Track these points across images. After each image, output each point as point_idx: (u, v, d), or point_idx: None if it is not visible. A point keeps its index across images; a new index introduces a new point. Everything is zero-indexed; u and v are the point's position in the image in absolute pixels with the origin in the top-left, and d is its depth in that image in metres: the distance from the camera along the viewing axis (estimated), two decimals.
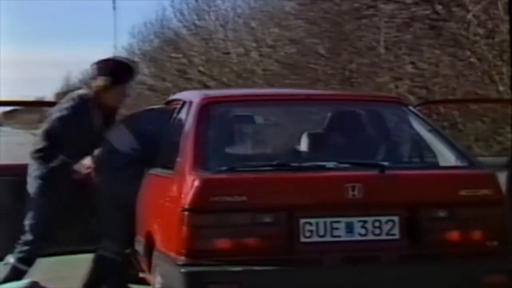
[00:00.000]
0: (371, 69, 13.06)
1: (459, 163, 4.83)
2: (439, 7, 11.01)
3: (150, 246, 4.86)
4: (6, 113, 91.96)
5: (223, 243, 4.28)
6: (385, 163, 4.65)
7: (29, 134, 22.86)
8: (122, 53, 33.67)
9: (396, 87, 12.60)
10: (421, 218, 4.50)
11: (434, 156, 5.01)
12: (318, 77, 14.60)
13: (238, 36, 20.95)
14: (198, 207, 4.27)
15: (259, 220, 4.32)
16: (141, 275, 5.65)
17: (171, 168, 4.74)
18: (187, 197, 4.30)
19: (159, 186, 4.95)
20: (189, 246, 4.26)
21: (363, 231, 4.45)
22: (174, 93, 25.36)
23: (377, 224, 4.47)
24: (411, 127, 5.18)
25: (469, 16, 10.35)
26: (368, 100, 5.84)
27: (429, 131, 5.04)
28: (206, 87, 21.47)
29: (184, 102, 5.23)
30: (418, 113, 5.33)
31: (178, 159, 4.66)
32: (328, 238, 4.40)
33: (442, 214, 4.52)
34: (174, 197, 4.47)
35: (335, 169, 4.56)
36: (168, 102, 6.01)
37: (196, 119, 4.75)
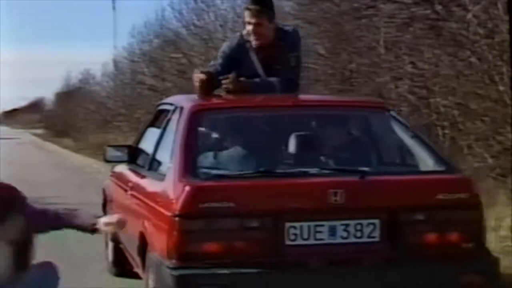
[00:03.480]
0: (371, 69, 13.06)
1: (437, 168, 5.05)
2: (439, 7, 11.01)
3: (143, 247, 5.14)
4: (6, 113, 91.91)
5: (212, 247, 4.53)
6: (366, 169, 4.93)
7: (29, 134, 22.83)
8: (122, 53, 33.77)
9: (396, 87, 12.60)
10: (401, 221, 4.74)
11: (415, 161, 5.25)
12: (318, 77, 14.59)
13: None
14: (188, 213, 4.51)
15: (246, 224, 4.56)
16: (135, 269, 5.92)
17: (162, 173, 5.05)
18: (178, 204, 4.54)
19: (151, 189, 5.25)
20: (180, 250, 4.50)
21: (345, 234, 4.71)
22: (174, 93, 25.68)
23: (358, 227, 4.72)
24: (394, 132, 5.42)
25: (469, 16, 10.35)
26: (353, 105, 6.04)
27: (411, 136, 5.31)
28: None
29: (176, 107, 5.46)
30: (401, 118, 5.61)
31: (169, 165, 4.94)
32: (312, 241, 4.67)
33: (420, 217, 4.75)
34: (165, 202, 4.72)
35: (318, 175, 4.82)
36: (160, 105, 6.30)
37: (186, 126, 5.01)
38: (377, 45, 12.75)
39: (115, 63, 35.41)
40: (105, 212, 7.01)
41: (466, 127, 10.91)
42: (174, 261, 4.53)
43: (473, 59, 10.54)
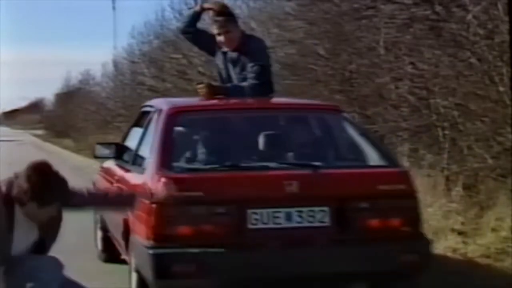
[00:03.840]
0: (371, 70, 13.06)
1: (381, 163, 5.88)
2: (439, 8, 11.01)
3: (127, 232, 5.96)
4: (6, 113, 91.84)
5: (184, 230, 5.32)
6: (319, 163, 5.76)
7: (29, 134, 22.84)
8: (122, 54, 33.76)
9: (396, 87, 12.60)
10: (348, 208, 5.57)
11: (362, 156, 6.05)
12: (318, 78, 14.59)
13: None
14: (163, 201, 5.33)
15: (214, 211, 5.36)
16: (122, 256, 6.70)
17: (143, 167, 5.92)
18: (155, 193, 5.39)
19: (133, 181, 6.13)
20: (156, 232, 5.31)
21: (299, 219, 5.54)
22: (174, 93, 25.51)
23: (311, 213, 5.54)
24: (345, 131, 6.30)
25: (469, 16, 10.34)
26: (311, 107, 7.01)
27: (360, 135, 6.17)
28: None
29: (156, 110, 6.32)
30: (352, 119, 6.71)
31: (149, 160, 5.81)
32: (270, 225, 5.49)
33: (365, 205, 5.57)
34: (145, 192, 5.50)
35: (277, 168, 5.68)
36: (143, 107, 7.12)
37: (163, 126, 5.87)
38: (377, 46, 12.75)
39: (115, 63, 35.41)
40: None
41: (466, 127, 10.90)
42: (151, 242, 5.33)
43: (473, 60, 10.53)
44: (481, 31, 10.36)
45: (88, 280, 5.25)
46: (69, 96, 45.67)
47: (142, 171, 5.92)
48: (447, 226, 9.33)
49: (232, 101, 6.59)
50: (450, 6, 10.89)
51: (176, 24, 24.21)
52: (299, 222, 5.52)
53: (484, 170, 10.48)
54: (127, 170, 6.58)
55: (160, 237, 5.28)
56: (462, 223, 9.39)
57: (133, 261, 5.85)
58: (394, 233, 5.63)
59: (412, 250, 5.64)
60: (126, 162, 6.78)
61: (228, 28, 6.99)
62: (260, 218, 5.46)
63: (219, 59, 7.07)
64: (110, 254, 7.77)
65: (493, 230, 8.86)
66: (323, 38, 14.36)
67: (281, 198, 5.52)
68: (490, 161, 10.41)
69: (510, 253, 7.96)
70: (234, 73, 6.92)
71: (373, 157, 5.99)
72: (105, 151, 7.30)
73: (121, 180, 6.64)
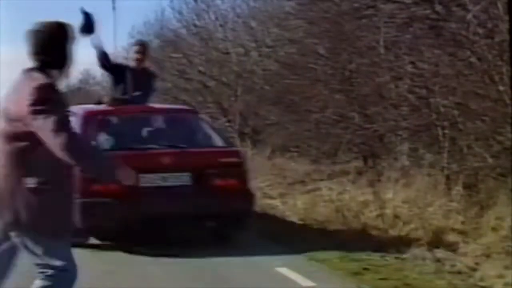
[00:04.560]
0: (371, 69, 13.06)
1: (222, 145, 9.44)
2: (439, 7, 11.01)
3: None
4: None
5: (98, 188, 8.26)
6: (183, 145, 9.17)
7: None
8: (122, 53, 33.73)
9: (396, 86, 12.60)
10: (202, 173, 8.84)
11: (212, 141, 9.51)
12: (318, 77, 14.59)
13: (238, 36, 20.94)
14: (81, 180, 7.42)
15: (122, 185, 7.24)
16: None
17: None
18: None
19: None
20: (81, 189, 6.67)
21: (171, 180, 8.82)
22: (174, 93, 25.36)
23: (178, 177, 8.83)
24: (200, 125, 9.82)
25: (469, 16, 10.34)
26: (178, 109, 11.33)
27: (210, 128, 9.89)
28: (206, 87, 21.46)
29: (74, 114, 8.04)
30: (205, 117, 10.84)
31: None
32: (153, 184, 8.69)
33: (213, 171, 8.81)
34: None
35: (156, 149, 9.06)
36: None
37: (80, 124, 8.76)
38: (377, 45, 12.75)
39: None
40: None
41: (466, 127, 10.91)
42: (79, 195, 6.60)
43: (473, 59, 10.53)
44: (481, 31, 10.35)
45: None
46: (69, 96, 45.61)
47: None
48: (447, 225, 9.33)
49: (127, 107, 9.77)
50: (450, 6, 10.89)
51: (176, 24, 24.24)
52: (171, 182, 8.82)
53: (484, 169, 10.48)
54: None
55: (83, 192, 7.24)
56: (462, 222, 9.39)
57: None
58: (231, 189, 8.77)
59: (243, 200, 8.84)
60: None
61: (143, 55, 10.32)
62: (147, 180, 8.58)
63: (125, 78, 9.97)
64: None
65: (493, 229, 8.86)
66: (323, 38, 14.36)
67: (159, 167, 8.81)
68: (490, 160, 10.41)
69: (510, 253, 7.95)
70: (133, 86, 9.94)
71: (217, 141, 9.53)
72: None
73: None
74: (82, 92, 41.51)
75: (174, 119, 9.99)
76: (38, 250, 4.41)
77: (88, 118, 9.23)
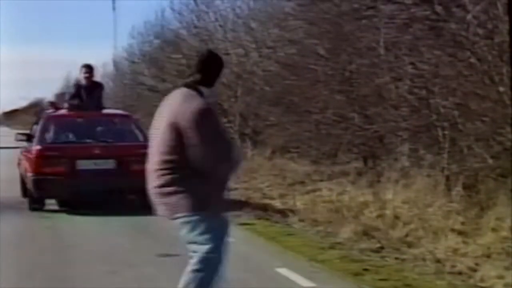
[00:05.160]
0: (371, 70, 13.07)
1: (143, 140, 11.67)
2: (439, 8, 11.01)
3: (26, 172, 12.58)
4: (6, 113, 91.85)
5: (48, 169, 11.92)
6: (112, 140, 12.64)
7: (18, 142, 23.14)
8: (122, 54, 33.77)
9: (396, 87, 12.61)
10: (123, 160, 11.96)
11: (136, 138, 12.52)
12: (318, 78, 14.60)
13: (238, 36, 20.94)
14: (38, 156, 12.12)
15: (61, 160, 12.05)
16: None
17: (34, 142, 12.66)
18: (34, 152, 12.25)
19: (29, 149, 12.71)
20: (35, 170, 12.01)
21: (101, 164, 12.13)
22: None
23: (106, 161, 12.16)
24: (131, 126, 13.09)
25: (469, 16, 10.35)
26: (116, 114, 14.33)
27: (136, 128, 12.89)
28: None
29: (47, 115, 13.38)
30: (137, 121, 13.55)
31: (36, 138, 12.67)
32: (86, 168, 12.05)
33: (131, 159, 11.59)
34: (32, 152, 12.32)
35: (91, 143, 12.48)
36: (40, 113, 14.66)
37: (41, 124, 12.90)
38: (377, 46, 12.76)
39: (115, 63, 35.42)
40: (19, 163, 14.06)
41: (466, 127, 10.91)
42: (32, 173, 11.96)
43: (473, 60, 10.54)
44: (480, 31, 10.36)
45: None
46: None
47: (33, 144, 12.70)
48: (447, 226, 9.33)
49: (79, 112, 13.25)
50: (450, 6, 10.90)
51: (176, 24, 24.26)
52: (101, 166, 12.19)
53: (484, 170, 10.49)
54: (29, 145, 13.09)
55: (37, 172, 12.07)
56: (462, 223, 9.40)
57: (28, 184, 12.56)
58: (140, 172, 9.46)
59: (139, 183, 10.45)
60: (30, 142, 13.24)
61: (91, 74, 13.68)
62: (82, 164, 12.14)
63: (80, 92, 13.56)
64: (25, 195, 13.38)
65: (493, 230, 8.87)
66: (323, 38, 14.37)
67: (92, 155, 12.25)
68: (490, 161, 10.41)
69: (510, 253, 7.96)
70: (86, 98, 13.47)
71: (139, 138, 12.45)
72: (21, 137, 13.90)
73: (26, 149, 13.31)
74: None
75: (109, 121, 13.44)
76: None
77: (52, 119, 13.31)
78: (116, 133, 13.01)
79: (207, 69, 5.73)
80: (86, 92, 13.37)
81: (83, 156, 12.12)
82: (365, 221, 10.15)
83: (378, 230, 9.72)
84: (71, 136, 12.85)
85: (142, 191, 10.23)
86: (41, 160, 12.00)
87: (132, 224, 11.07)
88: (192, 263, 5.29)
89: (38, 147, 12.19)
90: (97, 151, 12.22)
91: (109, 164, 12.14)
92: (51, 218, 11.74)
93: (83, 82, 13.47)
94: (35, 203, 12.25)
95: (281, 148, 17.92)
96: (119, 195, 12.37)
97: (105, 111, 13.87)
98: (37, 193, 12.03)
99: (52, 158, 12.02)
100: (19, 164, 14.01)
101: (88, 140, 12.56)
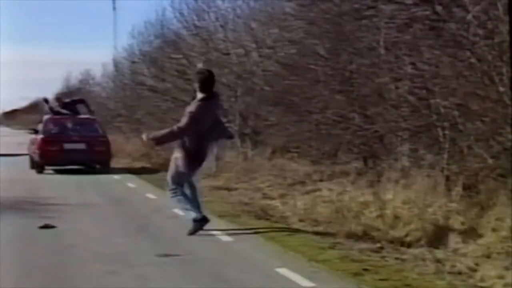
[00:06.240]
0: (371, 70, 13.07)
1: (102, 133, 22.10)
2: (439, 8, 11.01)
3: (35, 153, 21.60)
4: (6, 113, 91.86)
5: (49, 153, 20.88)
6: (84, 133, 21.67)
7: (29, 134, 23.27)
8: (122, 54, 33.78)
9: (396, 87, 12.61)
10: (90, 144, 21.23)
11: (98, 132, 22.04)
12: (318, 78, 14.60)
13: (238, 36, 20.94)
14: (42, 144, 21.12)
15: (55, 144, 20.95)
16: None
17: (39, 134, 21.78)
18: (40, 139, 21.38)
19: (36, 139, 21.72)
20: (41, 153, 21.05)
21: (77, 146, 21.01)
22: (174, 93, 25.50)
23: (81, 144, 21.08)
24: (95, 125, 22.37)
25: (469, 16, 10.35)
26: (86, 118, 22.75)
27: (100, 127, 22.59)
28: None
29: (47, 118, 22.33)
30: (99, 122, 23.12)
31: (40, 132, 21.89)
32: (69, 148, 20.99)
33: (94, 143, 21.38)
34: (39, 141, 21.38)
35: (74, 136, 21.48)
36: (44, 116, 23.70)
37: (44, 123, 22.00)
38: (377, 46, 12.76)
39: (115, 63, 35.43)
40: (29, 147, 23.12)
41: (466, 127, 10.91)
42: (38, 151, 21.15)
43: (473, 60, 10.54)
44: (481, 31, 10.36)
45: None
46: (69, 96, 45.63)
47: (39, 134, 21.62)
48: (447, 226, 9.33)
49: (64, 117, 22.15)
50: (450, 6, 10.90)
51: (176, 24, 24.26)
52: (78, 147, 20.83)
53: (484, 170, 10.49)
54: (36, 136, 21.76)
55: (41, 149, 20.90)
56: (462, 223, 9.40)
57: (34, 157, 21.56)
58: (100, 151, 21.02)
59: (106, 156, 21.36)
60: (37, 133, 21.96)
61: (60, 99, 24.07)
62: (67, 146, 20.81)
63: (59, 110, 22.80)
64: (32, 167, 22.04)
65: (493, 230, 8.87)
66: (323, 38, 14.37)
67: (72, 141, 20.96)
68: (490, 161, 10.41)
69: (510, 253, 7.96)
70: (64, 111, 22.57)
71: (100, 132, 21.94)
72: (32, 131, 23.12)
73: (35, 139, 21.75)
74: (82, 92, 41.56)
75: (83, 122, 22.12)
76: None
77: (51, 120, 21.85)
78: (86, 129, 21.80)
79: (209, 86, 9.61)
80: (66, 109, 22.65)
81: (68, 141, 20.92)
82: (365, 221, 10.16)
83: (378, 230, 9.72)
84: (61, 130, 21.54)
85: (101, 162, 21.53)
86: (44, 143, 20.76)
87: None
88: None
89: (42, 136, 21.08)
90: (75, 138, 21.07)
91: (82, 146, 20.89)
92: (51, 218, 11.79)
93: (58, 108, 22.81)
94: (39, 167, 20.89)
95: (281, 148, 17.92)
96: (88, 164, 21.36)
97: (80, 116, 22.67)
98: (41, 162, 20.89)
99: (50, 142, 20.73)
100: (28, 147, 22.69)
101: (71, 132, 21.44)
